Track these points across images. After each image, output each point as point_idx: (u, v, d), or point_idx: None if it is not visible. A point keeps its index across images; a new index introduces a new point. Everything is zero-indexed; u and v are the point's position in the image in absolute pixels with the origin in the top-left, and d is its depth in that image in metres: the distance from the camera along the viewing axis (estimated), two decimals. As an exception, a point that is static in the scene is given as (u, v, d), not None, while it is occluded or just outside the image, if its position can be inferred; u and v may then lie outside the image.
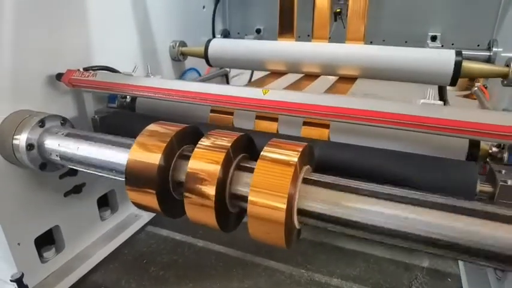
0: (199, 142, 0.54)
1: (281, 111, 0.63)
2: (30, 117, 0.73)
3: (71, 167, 0.71)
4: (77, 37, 0.87)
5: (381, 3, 1.35)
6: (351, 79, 1.01)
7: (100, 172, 0.65)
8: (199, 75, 1.36)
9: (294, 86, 0.98)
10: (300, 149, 0.51)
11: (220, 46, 1.12)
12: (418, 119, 0.55)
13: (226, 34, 1.55)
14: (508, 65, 0.88)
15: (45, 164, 0.74)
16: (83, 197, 0.94)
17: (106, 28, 0.95)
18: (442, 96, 1.10)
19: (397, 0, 1.34)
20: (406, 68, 0.94)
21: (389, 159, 0.59)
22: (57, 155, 0.70)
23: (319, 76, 1.05)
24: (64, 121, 0.75)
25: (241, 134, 0.56)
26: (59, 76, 0.80)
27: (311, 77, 1.05)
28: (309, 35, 1.11)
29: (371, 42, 1.40)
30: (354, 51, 0.99)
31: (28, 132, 0.71)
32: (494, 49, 1.17)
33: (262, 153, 0.51)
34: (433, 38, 1.30)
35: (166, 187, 0.57)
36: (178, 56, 1.22)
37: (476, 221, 0.45)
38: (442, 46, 1.30)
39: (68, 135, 0.70)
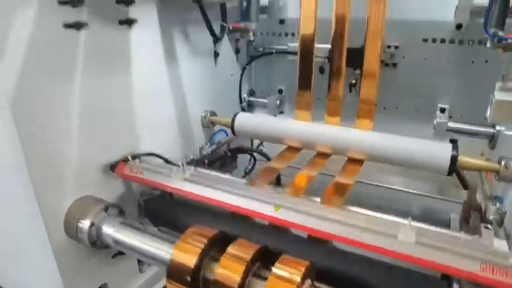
0: (226, 252, 0.70)
1: (289, 226, 0.78)
2: (94, 204, 0.91)
3: (121, 250, 0.89)
4: (125, 127, 1.06)
5: (394, 74, 1.47)
6: (359, 161, 1.14)
7: (145, 259, 0.82)
8: (227, 135, 1.53)
9: (308, 167, 1.12)
10: (303, 268, 0.65)
11: (244, 120, 1.28)
12: (393, 253, 0.68)
13: (252, 93, 1.72)
14: (499, 162, 0.99)
15: (96, 243, 0.92)
16: (126, 256, 1.12)
17: (150, 113, 1.13)
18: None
19: (409, 73, 1.46)
20: (407, 157, 1.06)
21: (383, 273, 0.72)
22: (112, 240, 0.88)
23: (331, 155, 1.19)
24: (121, 211, 0.93)
25: (259, 246, 0.71)
26: (113, 168, 0.97)
27: (324, 155, 1.19)
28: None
29: (384, 108, 1.54)
30: (361, 138, 1.12)
31: (91, 217, 0.90)
32: (497, 127, 1.27)
33: (272, 269, 0.66)
34: (442, 110, 1.40)
35: (197, 284, 0.72)
36: (209, 124, 1.40)
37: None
38: (451, 117, 1.40)
39: (123, 223, 0.88)
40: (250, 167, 1.61)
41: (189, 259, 0.71)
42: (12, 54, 0.75)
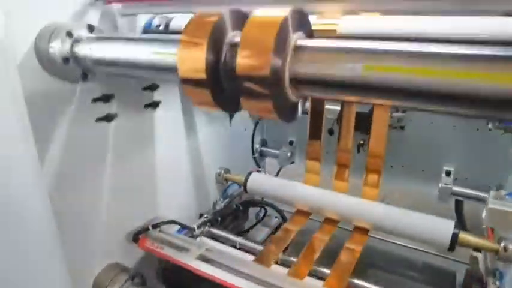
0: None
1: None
2: (121, 273, 1.00)
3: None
4: (148, 194, 1.14)
5: (401, 136, 1.53)
6: (365, 230, 1.20)
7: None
8: (240, 187, 1.60)
9: (315, 238, 1.18)
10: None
11: (257, 181, 1.36)
12: None
13: (264, 143, 1.79)
14: (499, 242, 1.03)
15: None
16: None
17: (169, 178, 1.22)
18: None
19: (416, 135, 1.51)
20: (410, 231, 1.12)
21: None
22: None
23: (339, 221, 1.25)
24: (144, 280, 1.01)
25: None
26: (136, 239, 1.05)
27: (333, 221, 1.25)
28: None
29: (391, 167, 1.59)
30: (366, 209, 1.18)
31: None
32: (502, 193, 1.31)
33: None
34: (448, 173, 1.45)
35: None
36: (223, 181, 1.47)
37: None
38: (456, 179, 1.44)
39: None
40: (261, 216, 1.67)
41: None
42: (54, 145, 0.84)
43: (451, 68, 0.43)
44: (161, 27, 0.93)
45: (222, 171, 1.48)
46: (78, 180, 0.92)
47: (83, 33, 0.76)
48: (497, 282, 1.05)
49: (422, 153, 1.51)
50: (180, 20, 0.92)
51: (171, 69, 0.60)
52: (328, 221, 1.26)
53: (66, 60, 0.74)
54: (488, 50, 0.43)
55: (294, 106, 0.56)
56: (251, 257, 1.06)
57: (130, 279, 0.99)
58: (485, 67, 0.42)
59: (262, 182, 1.36)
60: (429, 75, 0.44)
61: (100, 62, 0.72)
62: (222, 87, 0.58)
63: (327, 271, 1.03)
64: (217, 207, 1.47)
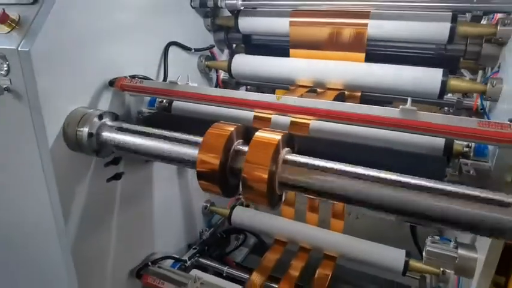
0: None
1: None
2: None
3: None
4: (146, 233, 1.30)
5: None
6: (333, 257, 1.42)
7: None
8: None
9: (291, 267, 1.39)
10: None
11: (239, 214, 1.54)
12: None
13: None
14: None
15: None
16: None
17: (165, 218, 1.38)
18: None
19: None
20: (369, 260, 1.34)
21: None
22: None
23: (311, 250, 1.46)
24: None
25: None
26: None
27: (306, 249, 1.46)
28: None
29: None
30: (332, 240, 1.39)
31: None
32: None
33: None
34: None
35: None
36: (209, 214, 1.65)
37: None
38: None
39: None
40: (241, 240, 1.85)
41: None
42: (75, 202, 1.00)
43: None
44: (163, 102, 1.11)
45: (208, 205, 1.65)
46: (92, 227, 1.07)
47: (108, 121, 0.92)
48: (439, 305, 1.29)
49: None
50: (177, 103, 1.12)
51: (188, 164, 0.79)
52: (303, 249, 1.47)
53: (91, 142, 0.90)
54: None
55: (280, 197, 0.76)
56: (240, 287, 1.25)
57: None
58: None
59: (244, 215, 1.56)
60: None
61: (122, 148, 0.89)
62: (226, 180, 0.77)
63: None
64: (204, 237, 1.64)
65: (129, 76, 1.04)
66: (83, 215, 1.02)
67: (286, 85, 1.30)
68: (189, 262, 1.43)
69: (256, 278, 1.29)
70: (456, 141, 0.86)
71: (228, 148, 0.75)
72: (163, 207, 1.36)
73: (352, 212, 1.70)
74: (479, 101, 1.18)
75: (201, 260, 1.51)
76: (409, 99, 0.78)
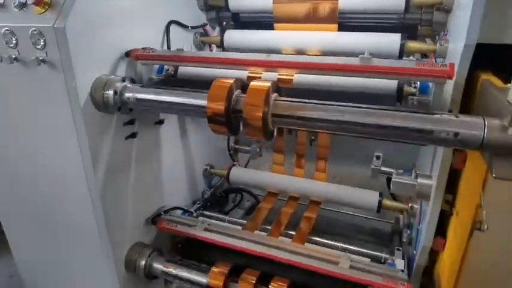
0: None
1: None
2: (144, 250, 1.38)
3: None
4: (157, 189, 1.52)
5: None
6: (318, 203, 1.66)
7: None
8: (221, 179, 2.01)
9: (283, 211, 1.63)
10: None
11: (236, 173, 1.77)
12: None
13: (236, 142, 2.19)
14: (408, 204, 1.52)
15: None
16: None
17: (173, 176, 1.59)
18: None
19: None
20: (349, 201, 1.59)
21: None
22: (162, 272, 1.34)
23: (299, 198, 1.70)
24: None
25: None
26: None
27: (295, 198, 1.70)
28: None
29: (337, 156, 2.06)
30: (317, 187, 1.64)
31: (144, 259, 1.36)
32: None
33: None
34: (377, 157, 1.93)
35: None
36: (209, 175, 1.87)
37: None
38: (384, 161, 1.93)
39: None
40: (238, 200, 2.08)
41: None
42: (102, 155, 1.20)
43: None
44: (169, 70, 1.31)
45: (208, 167, 1.87)
46: (115, 179, 1.28)
47: (128, 84, 1.13)
48: (408, 231, 1.55)
49: (359, 144, 1.99)
50: (184, 68, 1.32)
51: (198, 112, 1.01)
52: (292, 198, 1.71)
53: (116, 102, 1.10)
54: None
55: (272, 132, 0.98)
56: (239, 227, 1.48)
57: (153, 253, 1.37)
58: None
59: (240, 174, 1.79)
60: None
61: (143, 103, 1.11)
62: (230, 121, 0.99)
63: (293, 232, 1.48)
64: (206, 196, 1.86)
65: (141, 48, 1.23)
66: (108, 167, 1.22)
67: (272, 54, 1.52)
68: (195, 213, 1.66)
69: (252, 223, 1.53)
70: (406, 85, 1.10)
71: (230, 96, 0.96)
72: (170, 167, 1.58)
73: (336, 176, 1.94)
74: (433, 59, 1.41)
75: (205, 212, 1.73)
76: (366, 51, 1.00)
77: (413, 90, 1.08)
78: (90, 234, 1.28)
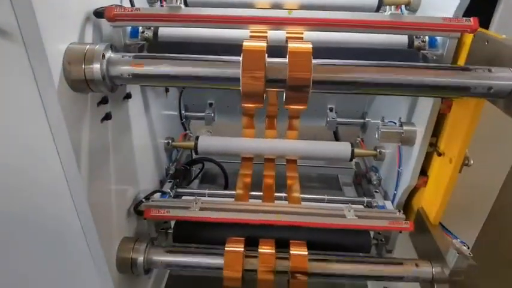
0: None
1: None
2: (137, 244, 1.21)
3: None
4: (132, 172, 1.32)
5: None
6: (294, 161, 1.67)
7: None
8: (178, 151, 1.85)
9: (265, 173, 1.59)
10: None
11: (204, 142, 1.65)
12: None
13: (186, 109, 2.02)
14: (375, 150, 1.65)
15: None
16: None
17: (138, 157, 1.39)
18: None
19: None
20: (325, 155, 1.64)
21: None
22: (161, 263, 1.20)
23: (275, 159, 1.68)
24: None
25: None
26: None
27: (271, 160, 1.67)
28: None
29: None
30: (292, 146, 1.64)
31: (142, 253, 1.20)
32: (366, 119, 1.97)
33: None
34: (331, 110, 2.01)
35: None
36: (171, 149, 1.70)
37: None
38: (337, 113, 2.01)
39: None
40: (199, 170, 1.97)
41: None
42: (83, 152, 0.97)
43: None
44: (146, 33, 1.07)
45: (170, 141, 1.69)
46: (97, 171, 1.05)
47: (112, 54, 0.88)
48: (377, 174, 1.68)
49: (313, 99, 2.02)
50: (166, 30, 1.08)
51: (227, 83, 0.86)
52: (268, 160, 1.67)
53: (105, 78, 0.86)
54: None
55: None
56: (231, 200, 1.40)
57: (148, 246, 1.21)
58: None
59: (210, 143, 1.66)
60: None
61: (151, 77, 0.88)
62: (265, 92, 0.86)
63: (285, 194, 1.47)
64: (170, 172, 1.70)
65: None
66: (90, 157, 1.00)
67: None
68: (172, 193, 1.51)
69: (241, 192, 1.46)
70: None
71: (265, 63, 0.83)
72: (140, 146, 1.37)
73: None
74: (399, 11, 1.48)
75: (179, 190, 1.59)
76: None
77: (422, 44, 1.11)
78: (75, 238, 1.06)
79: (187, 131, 1.99)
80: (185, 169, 1.79)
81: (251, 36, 0.98)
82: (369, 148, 1.75)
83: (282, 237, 1.24)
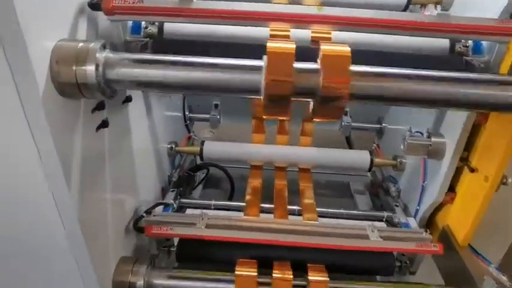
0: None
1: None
2: (136, 265, 1.07)
3: None
4: (131, 182, 1.19)
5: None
6: (308, 170, 1.53)
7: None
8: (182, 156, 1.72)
9: (276, 185, 1.46)
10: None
11: (211, 148, 1.51)
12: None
13: (190, 110, 1.88)
14: (395, 159, 1.52)
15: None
16: None
17: (139, 164, 1.26)
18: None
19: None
20: (341, 165, 1.50)
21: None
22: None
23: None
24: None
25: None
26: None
27: (282, 168, 1.54)
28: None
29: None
30: (305, 154, 1.50)
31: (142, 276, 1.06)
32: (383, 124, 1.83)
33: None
34: (346, 113, 1.87)
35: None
36: (175, 154, 1.57)
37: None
38: (351, 117, 1.87)
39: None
40: (203, 176, 1.84)
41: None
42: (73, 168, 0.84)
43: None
44: (150, 30, 0.93)
45: (173, 146, 1.56)
46: (92, 185, 0.93)
47: (110, 53, 0.74)
48: (396, 185, 1.55)
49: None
50: (172, 25, 0.94)
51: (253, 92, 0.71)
52: (279, 168, 1.54)
53: (100, 82, 0.72)
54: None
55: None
56: (240, 214, 1.27)
57: (148, 267, 1.08)
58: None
59: (216, 148, 1.53)
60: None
61: (153, 84, 0.73)
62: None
63: (298, 207, 1.34)
64: (173, 179, 1.57)
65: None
66: (82, 172, 0.86)
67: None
68: (175, 204, 1.37)
69: (251, 205, 1.33)
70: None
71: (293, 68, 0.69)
72: (140, 152, 1.24)
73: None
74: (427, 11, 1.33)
75: (183, 200, 1.46)
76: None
77: (464, 49, 0.98)
78: (63, 260, 0.93)
79: (191, 134, 1.85)
80: (189, 175, 1.66)
81: (271, 35, 0.84)
82: (386, 156, 1.61)
83: (298, 258, 1.11)
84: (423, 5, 1.28)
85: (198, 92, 0.79)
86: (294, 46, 0.68)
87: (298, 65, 0.69)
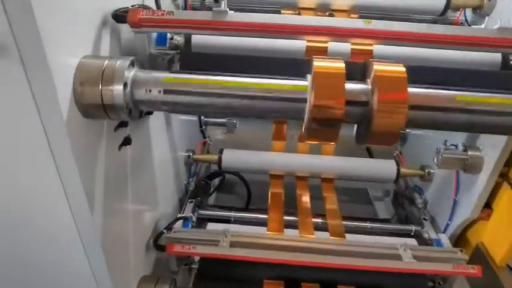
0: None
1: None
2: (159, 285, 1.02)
3: None
4: (153, 196, 1.14)
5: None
6: (331, 179, 1.47)
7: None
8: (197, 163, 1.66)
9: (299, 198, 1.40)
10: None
11: (230, 156, 1.45)
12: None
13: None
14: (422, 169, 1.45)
15: None
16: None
17: (158, 177, 1.20)
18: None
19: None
20: (366, 174, 1.44)
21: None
22: None
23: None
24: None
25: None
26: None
27: (304, 178, 1.47)
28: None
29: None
30: (328, 163, 1.44)
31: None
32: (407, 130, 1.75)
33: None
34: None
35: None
36: (192, 162, 1.51)
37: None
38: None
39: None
40: (218, 183, 1.78)
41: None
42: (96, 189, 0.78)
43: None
44: (176, 41, 0.86)
45: (191, 154, 1.50)
46: (114, 205, 0.88)
47: (138, 71, 0.68)
48: (422, 196, 1.48)
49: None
50: (200, 37, 0.87)
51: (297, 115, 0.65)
52: (300, 178, 1.48)
53: (128, 103, 0.66)
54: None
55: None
56: (264, 229, 1.21)
57: (171, 285, 1.03)
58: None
59: (235, 157, 1.47)
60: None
61: (181, 105, 0.67)
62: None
63: (323, 220, 1.28)
64: (190, 188, 1.51)
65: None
66: (105, 193, 0.81)
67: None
68: (194, 217, 1.32)
69: (273, 216, 1.27)
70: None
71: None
72: (160, 164, 1.19)
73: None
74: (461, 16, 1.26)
75: (201, 212, 1.41)
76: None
77: None
78: (86, 285, 0.88)
79: (207, 139, 1.79)
80: (205, 183, 1.60)
81: (308, 49, 0.77)
82: (410, 164, 1.54)
83: (327, 279, 1.05)
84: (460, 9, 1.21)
85: (235, 116, 0.73)
86: (343, 65, 0.62)
87: (348, 85, 0.62)
